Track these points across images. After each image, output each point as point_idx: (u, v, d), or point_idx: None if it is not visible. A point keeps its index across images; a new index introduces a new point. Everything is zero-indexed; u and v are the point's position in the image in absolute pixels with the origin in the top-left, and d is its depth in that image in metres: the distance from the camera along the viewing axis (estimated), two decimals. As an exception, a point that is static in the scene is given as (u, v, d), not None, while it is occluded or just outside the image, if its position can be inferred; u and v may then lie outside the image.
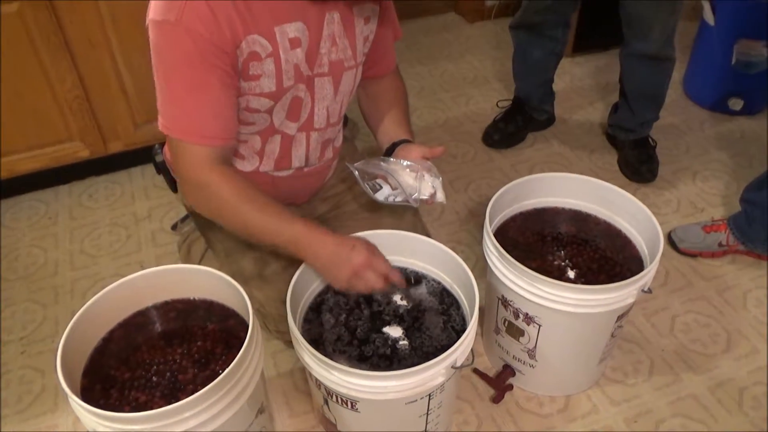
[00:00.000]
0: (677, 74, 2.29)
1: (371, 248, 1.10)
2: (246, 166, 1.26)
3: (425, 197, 1.14)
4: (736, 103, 2.20)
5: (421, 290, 1.22)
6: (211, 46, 1.00)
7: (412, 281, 1.22)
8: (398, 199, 1.14)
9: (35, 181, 1.97)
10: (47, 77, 1.74)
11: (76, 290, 1.67)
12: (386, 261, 1.11)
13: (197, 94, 1.03)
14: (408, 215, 1.37)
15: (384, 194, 1.14)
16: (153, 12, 1.01)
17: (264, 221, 1.08)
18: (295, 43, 1.10)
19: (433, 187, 1.14)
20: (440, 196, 1.16)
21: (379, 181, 1.16)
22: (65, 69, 1.75)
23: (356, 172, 1.15)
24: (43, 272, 1.72)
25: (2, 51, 1.66)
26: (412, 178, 1.13)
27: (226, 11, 1.00)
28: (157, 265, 1.11)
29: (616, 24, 1.83)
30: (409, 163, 1.15)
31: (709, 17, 2.13)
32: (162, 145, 1.44)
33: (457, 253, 1.17)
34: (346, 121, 1.97)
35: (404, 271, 1.23)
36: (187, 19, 0.98)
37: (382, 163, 1.16)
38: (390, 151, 1.25)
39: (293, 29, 1.09)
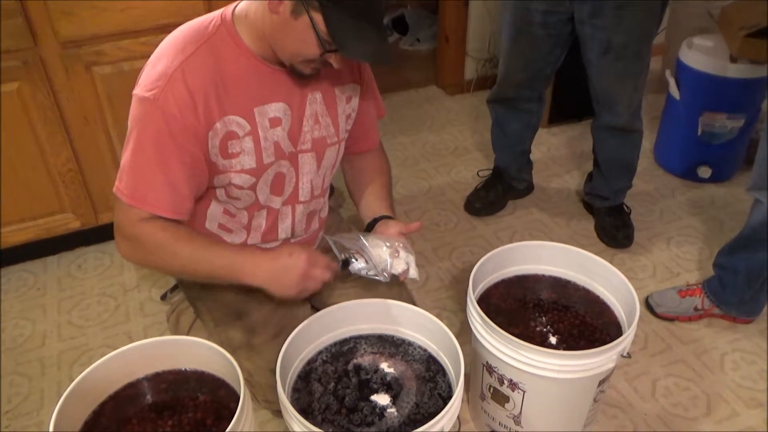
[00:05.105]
0: (648, 143, 2.41)
1: (304, 246, 1.14)
2: (234, 239, 1.30)
3: (397, 273, 1.19)
4: (704, 171, 2.31)
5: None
6: (182, 128, 1.06)
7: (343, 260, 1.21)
8: (370, 273, 1.20)
9: (25, 252, 1.98)
10: (42, 151, 1.80)
11: (62, 362, 1.66)
12: (320, 252, 1.16)
13: (157, 170, 1.09)
14: (394, 284, 1.41)
15: (356, 267, 1.19)
16: (139, 86, 1.08)
17: (196, 258, 1.13)
18: (275, 122, 1.16)
19: (406, 263, 1.20)
20: (413, 273, 1.21)
21: (353, 254, 1.21)
22: (60, 144, 1.80)
23: (333, 245, 1.21)
24: (30, 344, 1.72)
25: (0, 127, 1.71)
26: (386, 254, 1.18)
27: (204, 93, 1.06)
28: (145, 336, 1.14)
29: (587, 97, 1.94)
30: (385, 239, 1.21)
31: (674, 92, 2.26)
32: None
33: (442, 320, 1.20)
34: (332, 191, 2.03)
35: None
36: (165, 100, 1.04)
37: (359, 238, 1.21)
38: (371, 226, 1.30)
39: (274, 110, 1.15)
